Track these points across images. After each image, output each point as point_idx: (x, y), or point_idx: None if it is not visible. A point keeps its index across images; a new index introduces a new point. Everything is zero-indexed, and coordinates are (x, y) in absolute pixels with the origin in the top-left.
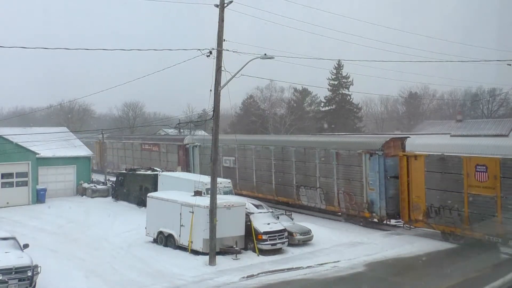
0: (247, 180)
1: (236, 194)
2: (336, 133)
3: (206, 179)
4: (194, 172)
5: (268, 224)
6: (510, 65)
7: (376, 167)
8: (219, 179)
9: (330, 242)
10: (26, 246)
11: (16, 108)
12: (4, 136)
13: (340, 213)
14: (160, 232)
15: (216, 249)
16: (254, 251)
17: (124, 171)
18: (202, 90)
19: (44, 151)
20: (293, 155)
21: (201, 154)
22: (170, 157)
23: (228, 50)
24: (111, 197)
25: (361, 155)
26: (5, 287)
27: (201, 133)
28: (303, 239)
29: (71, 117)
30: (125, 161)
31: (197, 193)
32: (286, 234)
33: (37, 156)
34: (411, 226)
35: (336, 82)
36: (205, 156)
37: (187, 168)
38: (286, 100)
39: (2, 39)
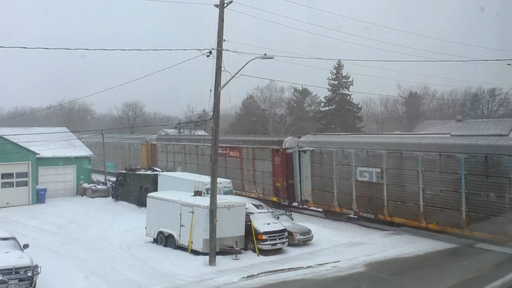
0: (405, 202)
1: (384, 221)
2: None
3: (206, 179)
4: (303, 187)
5: (268, 224)
6: (510, 65)
7: None
8: (219, 179)
9: (330, 242)
10: (26, 246)
11: (16, 108)
12: (4, 136)
13: None
14: (160, 232)
15: (216, 249)
16: (254, 251)
17: (124, 171)
18: (202, 90)
19: (44, 151)
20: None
21: (314, 162)
22: (260, 165)
23: (228, 50)
24: (111, 197)
25: None
26: (5, 287)
27: (201, 133)
28: (303, 239)
29: (71, 117)
30: (185, 169)
31: (197, 193)
32: (286, 234)
33: (37, 156)
34: None
35: (336, 82)
36: (324, 166)
37: (287, 181)
38: (286, 100)
39: (3, 39)
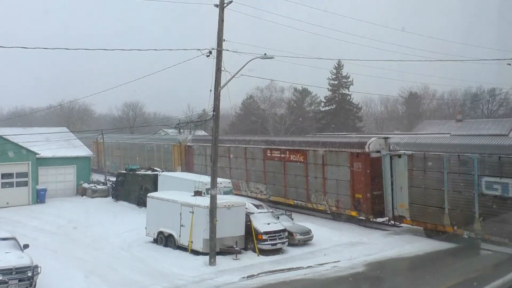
0: None
1: None
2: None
3: (206, 179)
4: (396, 200)
5: (268, 224)
6: (510, 64)
7: None
8: (219, 179)
9: (330, 242)
10: (26, 246)
11: (16, 108)
12: (4, 136)
13: None
14: (160, 232)
15: (216, 249)
16: (254, 251)
17: (124, 171)
18: (202, 90)
19: (44, 151)
20: None
21: (414, 169)
22: (333, 172)
23: (228, 50)
24: (111, 197)
25: None
26: (5, 287)
27: (201, 133)
28: (303, 239)
29: (71, 117)
30: (229, 175)
31: (197, 193)
32: (286, 234)
33: (37, 156)
34: None
35: (336, 82)
36: (428, 175)
37: (371, 191)
38: (286, 100)
39: (3, 39)
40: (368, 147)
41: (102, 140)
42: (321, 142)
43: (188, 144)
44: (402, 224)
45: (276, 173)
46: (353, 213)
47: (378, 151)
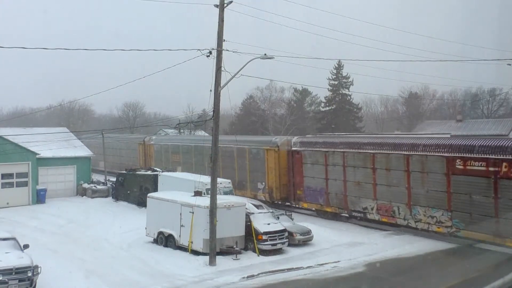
0: None
1: None
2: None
3: (206, 179)
4: None
5: (268, 224)
6: (510, 65)
7: None
8: (219, 179)
9: (330, 242)
10: (26, 246)
11: (16, 108)
12: (4, 136)
13: None
14: (160, 232)
15: (216, 249)
16: (254, 251)
17: (124, 171)
18: (202, 90)
19: (44, 151)
20: None
21: None
22: None
23: (228, 50)
24: (111, 197)
25: None
26: (5, 287)
27: (201, 133)
28: (303, 239)
29: (71, 118)
30: (373, 194)
31: (197, 193)
32: (286, 234)
33: (37, 156)
34: None
35: (336, 82)
36: None
37: None
38: (286, 100)
39: (3, 39)
40: None
41: (152, 142)
42: None
43: (293, 148)
44: None
45: (474, 195)
46: None
47: None
